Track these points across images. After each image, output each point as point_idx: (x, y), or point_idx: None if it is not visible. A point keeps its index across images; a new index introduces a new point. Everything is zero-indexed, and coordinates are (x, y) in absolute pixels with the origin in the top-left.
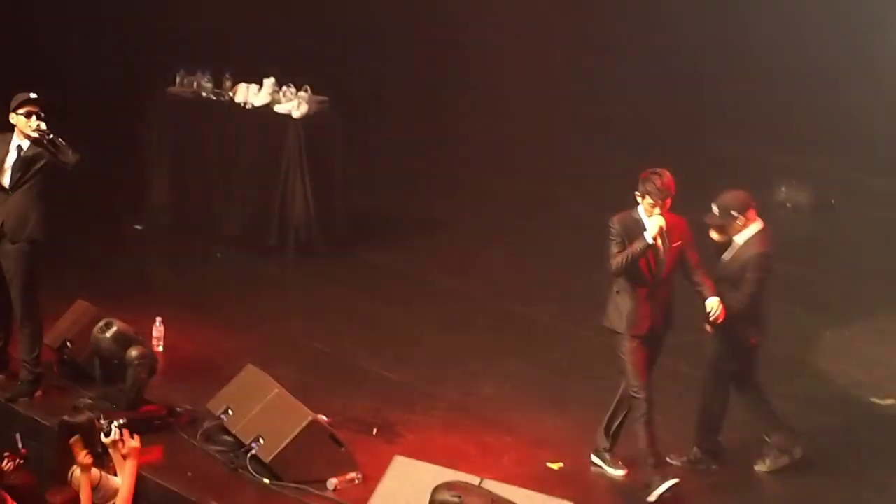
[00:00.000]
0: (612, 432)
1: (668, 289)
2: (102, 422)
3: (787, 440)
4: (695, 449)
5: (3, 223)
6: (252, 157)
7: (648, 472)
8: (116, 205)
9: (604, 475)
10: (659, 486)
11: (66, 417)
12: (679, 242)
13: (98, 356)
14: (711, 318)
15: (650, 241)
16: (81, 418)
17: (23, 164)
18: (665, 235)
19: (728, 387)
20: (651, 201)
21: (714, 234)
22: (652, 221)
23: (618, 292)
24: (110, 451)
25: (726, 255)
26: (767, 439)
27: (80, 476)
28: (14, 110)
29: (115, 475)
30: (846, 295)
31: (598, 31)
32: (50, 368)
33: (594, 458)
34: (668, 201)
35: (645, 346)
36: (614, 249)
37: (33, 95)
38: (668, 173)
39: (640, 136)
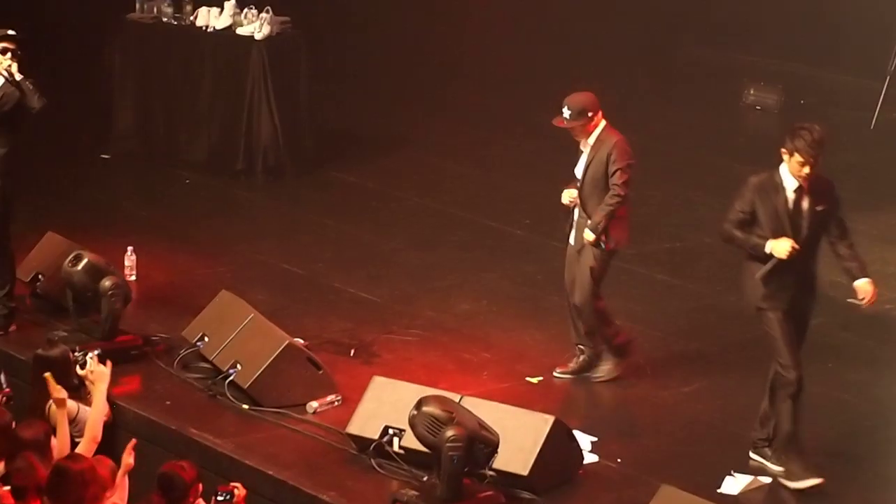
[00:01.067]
0: (769, 419)
1: (810, 258)
2: (77, 354)
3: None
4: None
5: None
6: (216, 81)
7: (791, 459)
8: (82, 134)
9: (585, 385)
10: (802, 479)
11: (40, 351)
12: (823, 207)
13: (70, 289)
14: (864, 304)
15: (773, 254)
16: (55, 351)
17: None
18: (806, 199)
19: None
20: (800, 159)
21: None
22: (779, 246)
23: (750, 259)
24: (86, 383)
25: (580, 163)
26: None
27: (56, 411)
28: None
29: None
30: None
31: None
32: (23, 302)
33: (753, 455)
34: (819, 158)
35: (788, 319)
36: (733, 215)
37: (11, 32)
38: (818, 127)
39: (609, 48)
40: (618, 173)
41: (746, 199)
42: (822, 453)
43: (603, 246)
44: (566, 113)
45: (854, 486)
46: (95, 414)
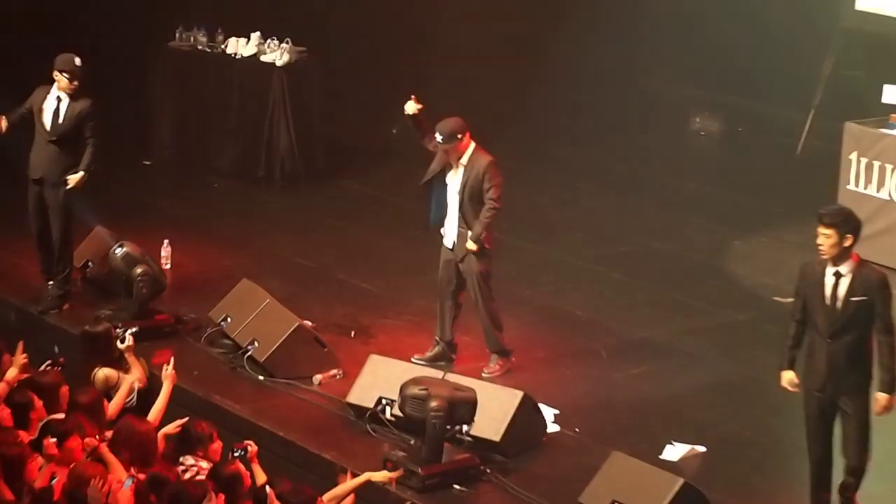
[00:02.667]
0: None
1: (844, 345)
2: (118, 330)
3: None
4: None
5: (42, 175)
6: (242, 100)
7: None
8: (127, 144)
9: (549, 366)
10: None
11: (87, 327)
12: (863, 298)
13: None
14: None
15: None
16: (100, 328)
17: (69, 117)
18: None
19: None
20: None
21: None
22: None
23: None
24: (125, 355)
25: (455, 180)
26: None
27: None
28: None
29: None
30: (752, 209)
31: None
32: (75, 285)
33: None
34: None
35: (815, 402)
36: (793, 302)
37: (77, 61)
38: (828, 209)
39: (575, 81)
40: (493, 189)
41: (797, 286)
42: (749, 427)
43: (486, 248)
44: (438, 137)
45: (776, 453)
46: (159, 405)
